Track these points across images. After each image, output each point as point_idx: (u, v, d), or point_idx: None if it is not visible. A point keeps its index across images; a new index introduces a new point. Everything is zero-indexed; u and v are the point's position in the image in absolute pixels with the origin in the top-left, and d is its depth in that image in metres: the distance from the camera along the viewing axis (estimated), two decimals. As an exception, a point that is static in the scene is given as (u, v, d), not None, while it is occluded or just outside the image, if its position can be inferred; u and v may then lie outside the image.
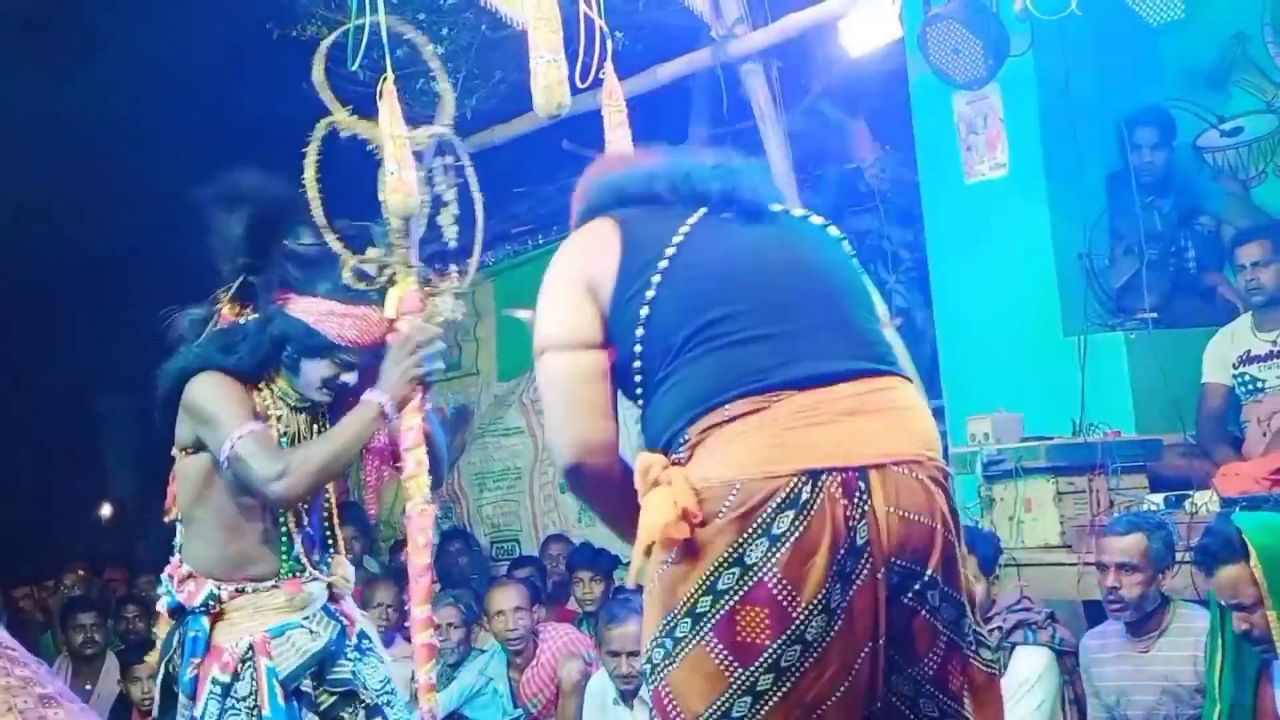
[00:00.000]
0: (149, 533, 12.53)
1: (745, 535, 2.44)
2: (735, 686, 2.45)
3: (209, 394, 3.75)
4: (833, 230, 2.88)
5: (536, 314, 2.78)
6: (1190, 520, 5.33)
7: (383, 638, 7.81)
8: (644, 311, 2.63)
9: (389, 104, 3.77)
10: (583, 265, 2.73)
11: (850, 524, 2.45)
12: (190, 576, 3.83)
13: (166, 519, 4.01)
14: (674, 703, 2.50)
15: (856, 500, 2.46)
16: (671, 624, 2.50)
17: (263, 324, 3.84)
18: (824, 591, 2.44)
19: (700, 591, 2.46)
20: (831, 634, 2.46)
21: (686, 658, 2.48)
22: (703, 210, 2.74)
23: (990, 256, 6.90)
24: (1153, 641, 5.10)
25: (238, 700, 3.74)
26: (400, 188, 3.80)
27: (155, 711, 3.96)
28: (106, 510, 14.27)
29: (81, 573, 10.57)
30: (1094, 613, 5.69)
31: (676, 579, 2.49)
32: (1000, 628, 5.38)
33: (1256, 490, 5.39)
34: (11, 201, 9.76)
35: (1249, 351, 6.24)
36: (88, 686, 8.32)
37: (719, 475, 2.48)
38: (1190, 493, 5.64)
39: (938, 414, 7.36)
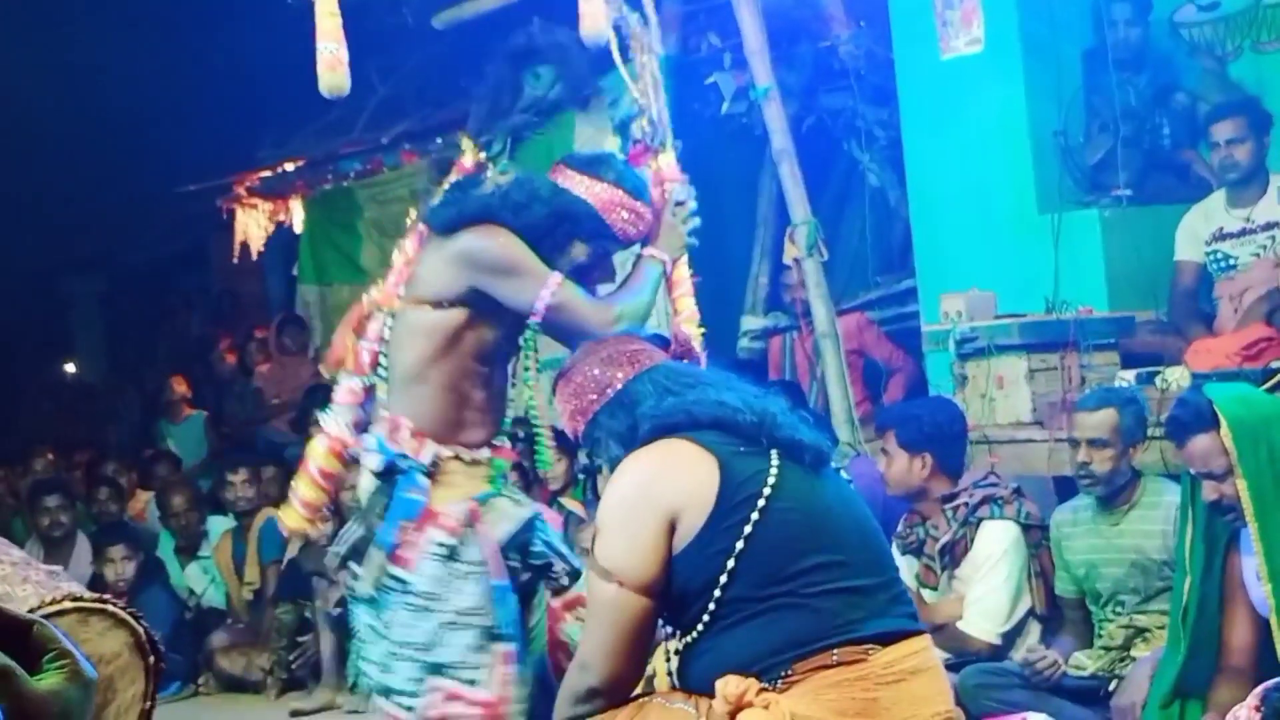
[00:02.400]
0: (119, 416, 12.55)
1: None
2: None
3: (507, 245, 3.63)
4: (844, 474, 3.10)
5: (606, 524, 2.86)
6: (1161, 396, 5.37)
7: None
8: (739, 545, 2.75)
9: None
10: (672, 494, 2.81)
11: None
12: (416, 434, 3.66)
13: (349, 375, 3.89)
14: None
15: None
16: None
17: (554, 194, 3.74)
18: None
19: None
20: None
21: None
22: (776, 455, 2.86)
23: (965, 134, 6.86)
24: (1123, 515, 5.14)
25: (470, 565, 3.60)
26: (331, 65, 3.98)
27: (336, 569, 3.81)
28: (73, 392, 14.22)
29: (49, 456, 10.56)
30: (1064, 488, 5.74)
31: None
32: (967, 503, 5.42)
33: (1227, 366, 5.42)
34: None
35: (1222, 229, 6.24)
36: (58, 569, 8.32)
37: (818, 716, 2.68)
38: (1162, 369, 5.68)
39: (911, 293, 7.45)
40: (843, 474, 3.06)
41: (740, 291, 8.30)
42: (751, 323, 8.14)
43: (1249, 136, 6.10)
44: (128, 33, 9.88)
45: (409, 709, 3.57)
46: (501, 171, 3.81)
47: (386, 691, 3.63)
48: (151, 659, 2.21)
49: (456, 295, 3.65)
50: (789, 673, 2.71)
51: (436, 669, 3.55)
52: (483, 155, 3.92)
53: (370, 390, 3.84)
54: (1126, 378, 5.71)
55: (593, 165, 3.84)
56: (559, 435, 7.84)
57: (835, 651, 2.71)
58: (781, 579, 2.74)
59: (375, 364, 3.82)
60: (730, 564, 2.72)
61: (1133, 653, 5.02)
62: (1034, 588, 5.42)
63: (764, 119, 7.25)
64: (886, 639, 2.76)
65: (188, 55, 10.38)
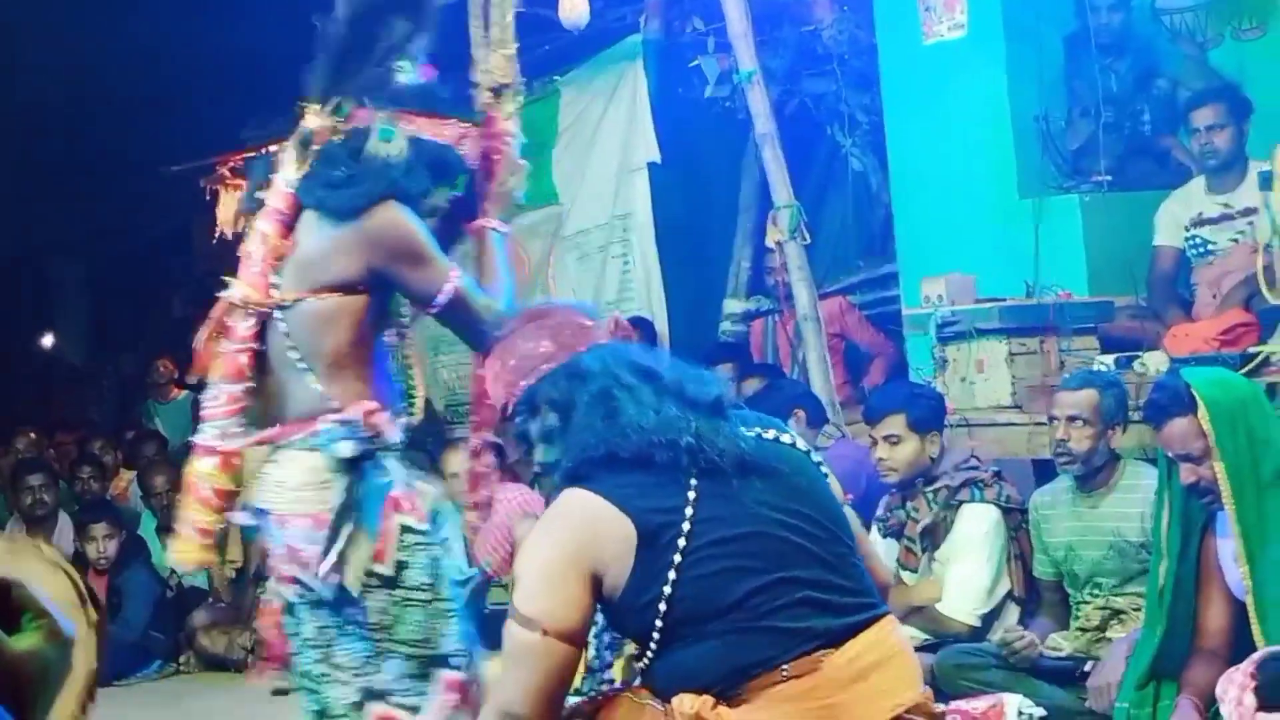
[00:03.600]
0: (102, 397, 12.54)
1: None
2: None
3: (412, 226, 3.42)
4: (800, 445, 2.92)
5: (528, 576, 2.74)
6: (1140, 380, 5.38)
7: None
8: (666, 590, 2.68)
9: None
10: (593, 556, 2.71)
11: None
12: (376, 411, 3.42)
13: (225, 383, 3.57)
14: None
15: None
16: None
17: (421, 149, 3.49)
18: None
19: None
20: None
21: None
22: (694, 481, 2.74)
23: (947, 118, 6.86)
24: (1101, 497, 5.16)
25: (445, 547, 3.53)
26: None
27: (326, 565, 3.41)
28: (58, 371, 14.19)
29: (32, 435, 10.54)
30: (1043, 472, 5.75)
31: None
32: (948, 486, 5.43)
33: (1205, 351, 5.44)
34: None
35: (1201, 214, 6.25)
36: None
37: None
38: (1140, 353, 5.69)
39: (892, 277, 7.45)
40: (786, 440, 2.89)
41: (723, 275, 8.30)
42: (734, 306, 8.15)
43: (1229, 123, 6.10)
44: (113, 14, 9.85)
45: (413, 709, 3.39)
46: (385, 138, 3.47)
47: (378, 695, 3.41)
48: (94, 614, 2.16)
49: (360, 279, 3.45)
50: (741, 693, 2.67)
51: (440, 661, 3.41)
52: (334, 120, 3.56)
53: (251, 393, 3.58)
54: (1106, 362, 5.72)
55: (429, 103, 3.56)
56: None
57: (785, 667, 2.65)
58: (718, 613, 2.67)
59: (254, 366, 3.58)
60: (661, 609, 2.66)
61: (1109, 634, 5.03)
62: (1013, 570, 5.44)
63: (747, 103, 7.25)
64: (840, 638, 2.70)
65: (172, 36, 10.34)
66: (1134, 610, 4.99)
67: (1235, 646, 4.14)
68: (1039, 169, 6.67)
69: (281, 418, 3.51)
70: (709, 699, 2.65)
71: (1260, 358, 5.15)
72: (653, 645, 2.71)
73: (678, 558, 2.67)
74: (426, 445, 8.51)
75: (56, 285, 14.69)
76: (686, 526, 2.69)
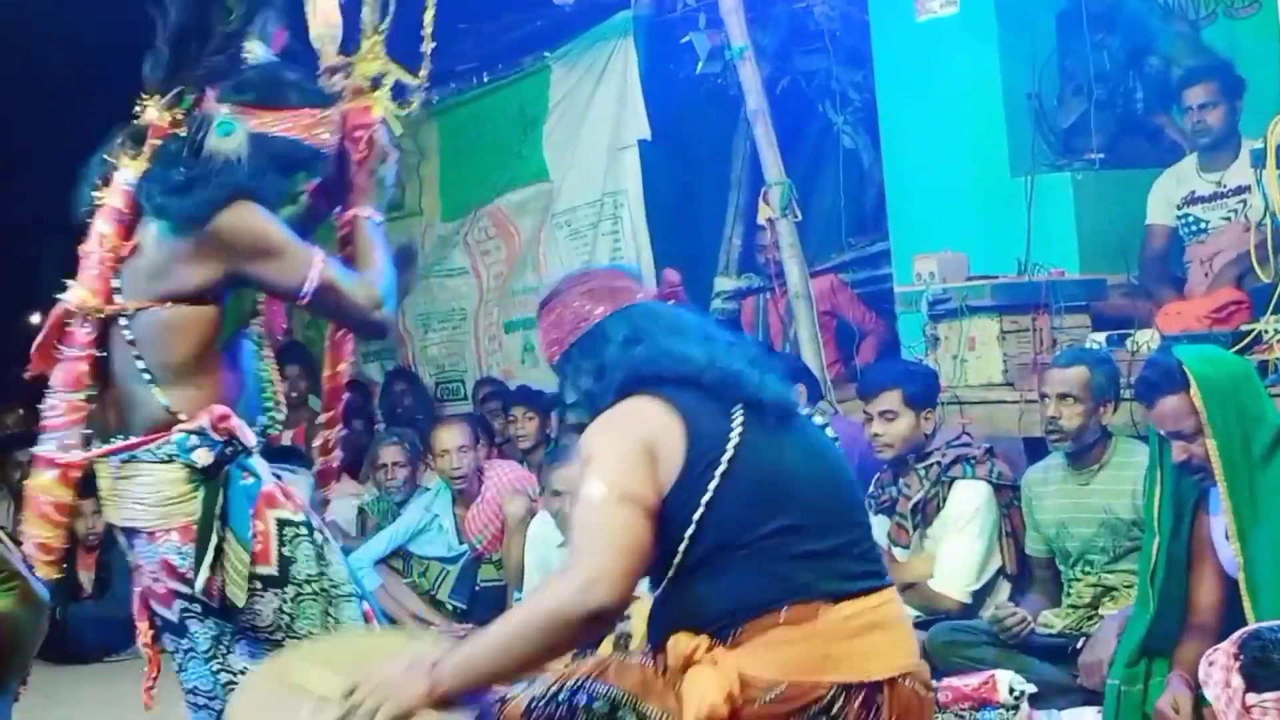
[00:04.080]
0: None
1: None
2: None
3: (266, 225, 3.28)
4: (829, 431, 3.03)
5: (597, 454, 2.74)
6: (1132, 358, 5.40)
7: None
8: (706, 499, 2.71)
9: None
10: (649, 439, 2.74)
11: None
12: (227, 417, 3.30)
13: (64, 392, 3.42)
14: None
15: (871, 713, 2.70)
16: None
17: (271, 146, 3.34)
18: None
19: None
20: None
21: None
22: (742, 408, 2.81)
23: (939, 96, 6.86)
24: (1093, 475, 5.18)
25: (327, 536, 3.44)
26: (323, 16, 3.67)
27: (200, 580, 3.31)
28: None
29: (20, 412, 10.51)
30: (1034, 449, 5.77)
31: None
32: (939, 462, 5.46)
33: (1197, 329, 5.45)
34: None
35: (1193, 193, 6.26)
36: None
37: (766, 675, 2.65)
38: (1132, 331, 5.71)
39: (884, 255, 7.46)
40: (818, 420, 3.02)
41: (713, 252, 8.30)
42: (725, 284, 8.15)
43: (1221, 101, 6.11)
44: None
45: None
46: (224, 134, 3.28)
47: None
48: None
49: (211, 287, 3.31)
50: (739, 633, 2.69)
51: None
52: (173, 113, 3.39)
53: (92, 402, 3.42)
54: (1097, 339, 5.74)
55: (277, 93, 3.40)
56: (529, 395, 7.94)
57: (783, 611, 2.68)
58: (739, 543, 2.71)
59: (95, 374, 3.41)
60: (692, 526, 2.70)
61: (1100, 611, 5.06)
62: (1004, 547, 5.46)
63: (739, 79, 7.25)
64: (840, 597, 2.73)
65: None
66: (1125, 587, 5.02)
67: (1227, 624, 4.16)
68: (1031, 147, 6.68)
69: (128, 429, 3.36)
70: (704, 640, 2.67)
71: (1252, 335, 5.16)
72: (670, 572, 2.73)
73: (716, 480, 2.71)
74: (416, 421, 8.55)
75: (41, 263, 14.61)
76: (730, 452, 2.73)
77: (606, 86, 8.48)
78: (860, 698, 2.67)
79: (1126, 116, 6.86)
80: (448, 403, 9.32)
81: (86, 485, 8.07)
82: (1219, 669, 2.56)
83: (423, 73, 3.75)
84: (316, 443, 3.85)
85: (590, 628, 2.65)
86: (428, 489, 7.32)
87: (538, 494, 6.62)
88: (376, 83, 3.63)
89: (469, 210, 9.54)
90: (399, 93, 3.71)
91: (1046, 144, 6.73)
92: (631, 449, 2.72)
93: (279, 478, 3.44)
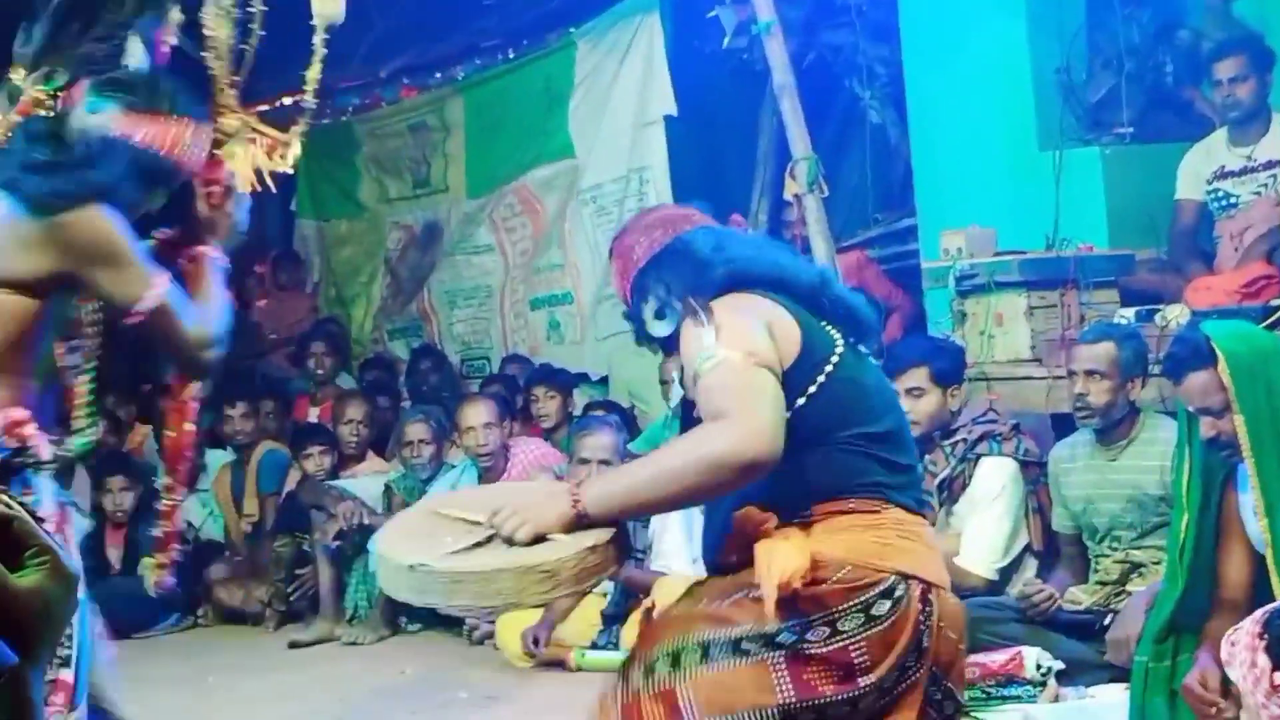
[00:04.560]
0: (114, 351, 12.58)
1: (845, 606, 2.77)
2: (778, 707, 2.77)
3: (116, 231, 3.08)
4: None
5: (720, 324, 2.80)
6: (1161, 333, 5.39)
7: (353, 452, 7.90)
8: (811, 390, 2.85)
9: None
10: (771, 320, 2.85)
11: (919, 628, 2.83)
12: (25, 423, 3.01)
13: None
14: (693, 696, 2.77)
15: (926, 610, 2.84)
16: (736, 637, 2.78)
17: (133, 154, 3.15)
18: (890, 675, 2.80)
19: (786, 630, 2.76)
20: (876, 709, 2.84)
21: (739, 668, 2.78)
22: (837, 334, 2.96)
23: (967, 71, 6.84)
24: (1121, 450, 5.18)
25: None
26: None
27: None
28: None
29: (49, 390, 10.58)
30: (1062, 425, 5.77)
31: (753, 609, 2.76)
32: (965, 439, 5.46)
33: (1227, 303, 5.44)
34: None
35: (1223, 167, 6.24)
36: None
37: (834, 554, 2.78)
38: (1161, 307, 5.70)
39: (911, 231, 7.44)
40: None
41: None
42: (751, 260, 8.14)
43: (1251, 74, 6.09)
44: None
45: None
46: (92, 110, 3.10)
47: None
48: None
49: (42, 279, 3.09)
50: (808, 513, 2.83)
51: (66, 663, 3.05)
52: (39, 92, 3.17)
53: None
54: (1126, 315, 5.73)
55: (152, 100, 3.21)
56: (550, 374, 7.95)
57: (852, 500, 2.84)
58: (823, 439, 2.84)
59: None
60: (794, 406, 2.80)
61: (1128, 587, 5.06)
62: (1031, 523, 5.47)
63: (765, 54, 7.22)
64: (900, 505, 2.90)
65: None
66: (1153, 563, 5.02)
67: (1256, 600, 4.15)
68: (1060, 121, 6.64)
69: None
70: (772, 515, 2.80)
71: (1281, 311, 5.16)
72: None
73: (822, 379, 2.85)
74: (442, 399, 8.58)
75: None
76: (836, 358, 2.89)
77: (632, 62, 8.47)
78: (919, 592, 2.81)
79: (1156, 90, 6.83)
80: (473, 380, 9.34)
81: (116, 461, 8.08)
82: (1243, 649, 2.55)
83: (295, 128, 3.67)
84: (159, 506, 3.60)
85: (746, 476, 2.70)
86: (454, 466, 7.35)
87: (564, 472, 6.64)
88: (231, 135, 3.50)
89: (495, 187, 9.55)
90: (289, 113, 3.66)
91: (1075, 118, 6.71)
92: (757, 323, 2.83)
93: (69, 504, 3.23)
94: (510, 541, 2.72)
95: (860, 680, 2.77)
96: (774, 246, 3.14)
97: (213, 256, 3.40)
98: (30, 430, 3.02)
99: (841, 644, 2.76)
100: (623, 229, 3.19)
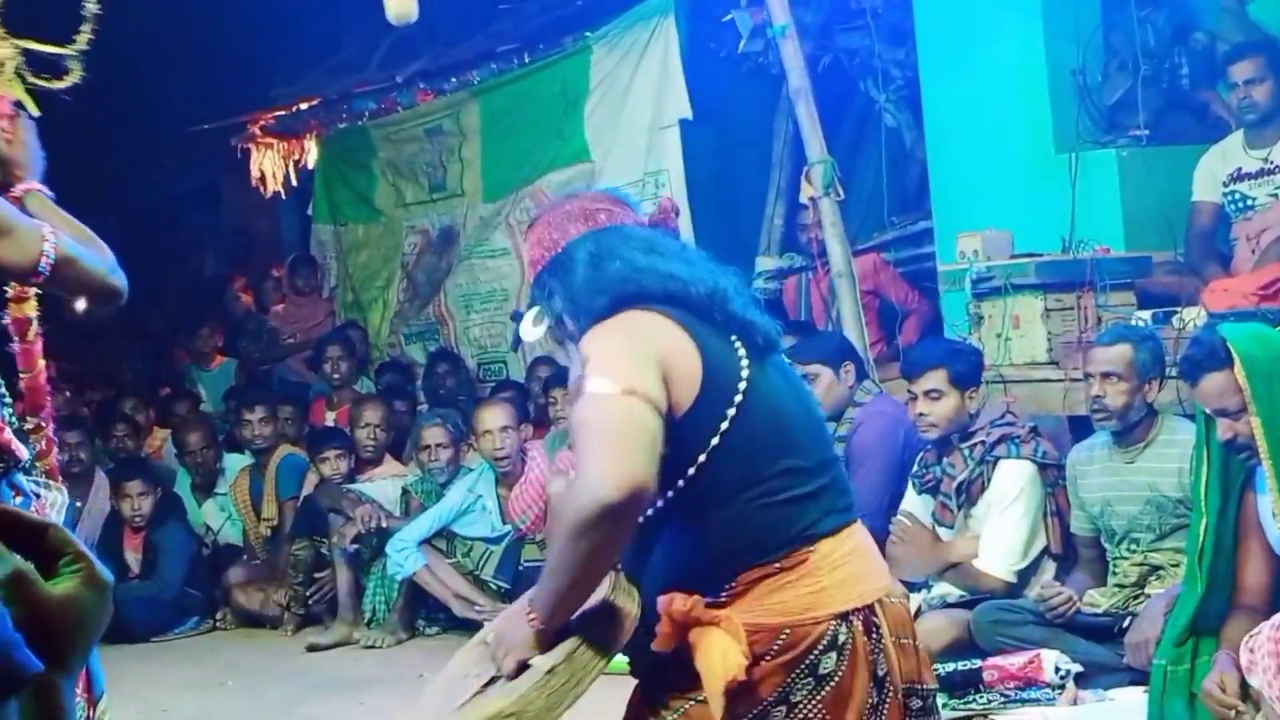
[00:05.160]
0: (131, 355, 12.60)
1: (792, 676, 2.60)
2: None
3: None
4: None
5: (601, 356, 2.59)
6: (1178, 335, 5.39)
7: (370, 455, 7.92)
8: (723, 426, 2.60)
9: None
10: (661, 350, 2.59)
11: (872, 658, 2.65)
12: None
13: None
14: None
15: (874, 636, 2.66)
16: None
17: None
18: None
19: None
20: None
21: None
22: (738, 339, 2.69)
23: (983, 73, 6.85)
24: (1138, 452, 5.17)
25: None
26: None
27: None
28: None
29: (66, 393, 10.60)
30: (1079, 428, 5.77)
31: (708, 714, 2.58)
32: (984, 442, 5.46)
33: (1244, 305, 5.44)
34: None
35: (1240, 169, 6.23)
36: (77, 504, 8.42)
37: (769, 622, 2.59)
38: (1178, 309, 5.70)
39: (927, 234, 7.45)
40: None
41: (755, 232, 8.31)
42: (766, 263, 8.16)
43: (1268, 76, 6.09)
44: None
45: None
46: None
47: None
48: None
49: None
50: (733, 585, 2.60)
51: None
52: None
53: None
54: (1143, 317, 5.73)
55: None
56: (563, 372, 7.96)
57: (779, 559, 2.60)
58: (751, 482, 2.60)
59: None
60: (703, 457, 2.58)
61: (1146, 590, 5.06)
62: (1049, 526, 5.46)
63: (780, 57, 7.23)
64: (830, 532, 2.66)
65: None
66: (1171, 566, 5.01)
67: (1275, 604, 4.16)
68: (1075, 123, 6.65)
69: None
70: (698, 599, 2.57)
71: (1299, 313, 5.15)
72: (664, 502, 2.60)
73: (733, 411, 2.60)
74: (459, 402, 8.60)
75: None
76: (744, 382, 2.64)
77: (648, 66, 8.48)
78: (860, 622, 2.63)
79: (1172, 92, 6.83)
80: (490, 383, 9.36)
81: (134, 466, 8.11)
82: (1265, 654, 2.54)
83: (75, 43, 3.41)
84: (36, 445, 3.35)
85: (610, 524, 2.47)
86: (471, 470, 7.36)
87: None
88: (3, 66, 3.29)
89: (510, 191, 9.56)
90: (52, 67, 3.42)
91: (1091, 120, 6.72)
92: (638, 351, 2.57)
93: (38, 496, 3.09)
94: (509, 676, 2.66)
95: None
96: (672, 254, 2.76)
97: (38, 189, 3.19)
98: (7, 436, 2.93)
99: (802, 716, 2.59)
100: (539, 215, 2.97)
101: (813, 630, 2.59)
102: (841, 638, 2.60)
